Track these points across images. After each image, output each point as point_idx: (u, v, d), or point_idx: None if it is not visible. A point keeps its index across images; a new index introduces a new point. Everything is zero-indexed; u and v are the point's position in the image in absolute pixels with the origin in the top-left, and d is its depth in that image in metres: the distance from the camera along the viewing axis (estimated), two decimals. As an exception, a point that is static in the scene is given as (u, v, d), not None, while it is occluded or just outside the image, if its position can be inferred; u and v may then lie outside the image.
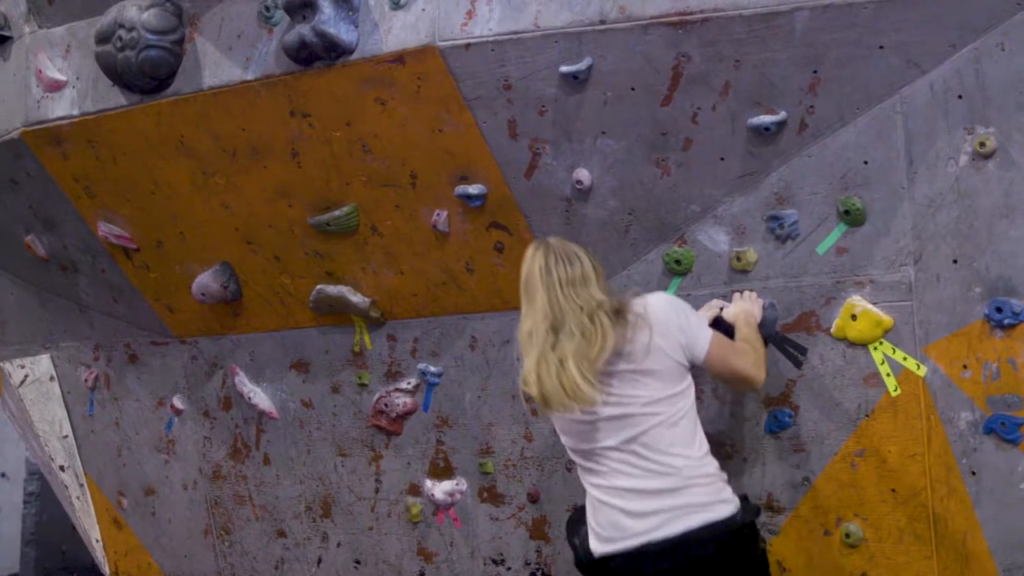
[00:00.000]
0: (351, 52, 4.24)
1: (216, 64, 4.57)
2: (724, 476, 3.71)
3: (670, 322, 3.67)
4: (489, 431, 4.81)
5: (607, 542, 3.64)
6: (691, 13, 3.80)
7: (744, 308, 4.11)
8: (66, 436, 6.60)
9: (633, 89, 4.00)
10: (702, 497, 3.59)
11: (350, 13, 4.20)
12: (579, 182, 4.22)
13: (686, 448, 3.63)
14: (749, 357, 3.84)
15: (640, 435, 3.59)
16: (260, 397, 5.44)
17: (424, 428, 4.98)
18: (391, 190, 4.53)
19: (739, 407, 4.30)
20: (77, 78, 4.94)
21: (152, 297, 5.55)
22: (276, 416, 5.41)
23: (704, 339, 3.74)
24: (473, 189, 4.37)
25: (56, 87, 5.02)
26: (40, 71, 5.05)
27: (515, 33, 4.00)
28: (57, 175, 5.23)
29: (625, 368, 3.60)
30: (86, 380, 6.27)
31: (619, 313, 3.63)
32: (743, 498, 3.76)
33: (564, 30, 3.95)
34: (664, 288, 4.31)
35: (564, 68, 4.00)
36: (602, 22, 3.90)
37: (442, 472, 4.97)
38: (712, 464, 3.69)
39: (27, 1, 5.07)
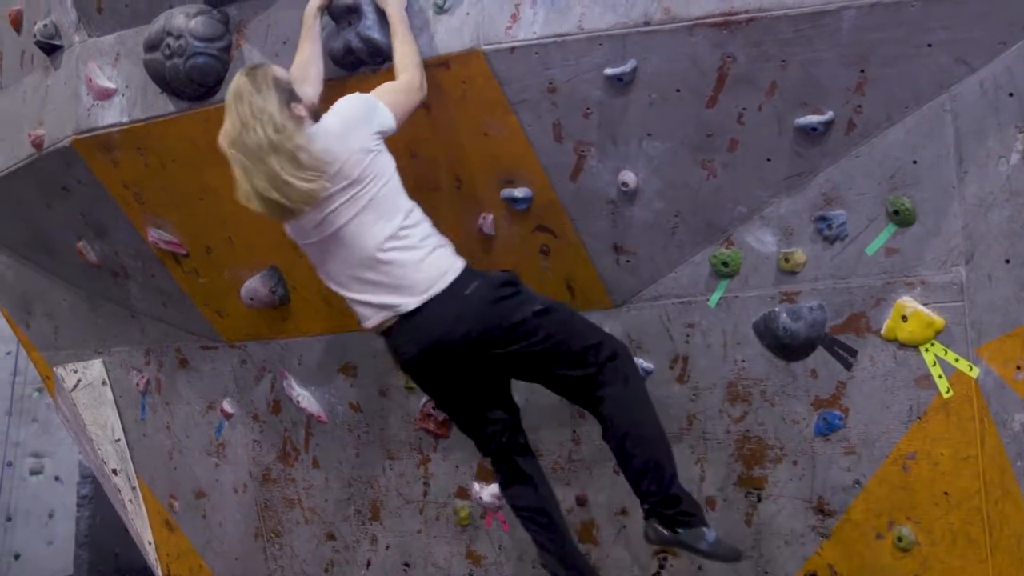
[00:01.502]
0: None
1: (263, 70, 4.60)
2: None
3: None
4: (536, 434, 4.78)
5: None
6: (736, 13, 3.78)
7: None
8: (118, 440, 6.66)
9: (678, 91, 3.98)
10: None
11: (395, 17, 4.21)
12: (625, 184, 4.21)
13: None
14: (407, 81, 4.05)
15: None
16: (309, 400, 5.46)
17: (472, 431, 4.98)
18: (437, 194, 4.53)
19: (788, 409, 4.27)
20: (126, 86, 4.98)
21: (201, 302, 5.58)
22: (325, 419, 5.43)
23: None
24: (519, 192, 4.37)
25: (106, 95, 5.05)
26: (90, 79, 5.09)
27: (559, 36, 3.99)
28: (107, 182, 5.28)
29: None
30: (138, 384, 6.32)
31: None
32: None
33: (608, 32, 3.94)
34: (712, 291, 4.29)
35: (609, 70, 3.99)
36: (646, 24, 3.88)
37: (490, 475, 4.95)
38: None
39: (77, 10, 5.12)
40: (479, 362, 4.05)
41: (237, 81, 4.00)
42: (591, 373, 4.01)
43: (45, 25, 5.26)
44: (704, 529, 3.97)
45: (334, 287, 4.22)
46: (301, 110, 3.98)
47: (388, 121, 4.01)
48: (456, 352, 4.00)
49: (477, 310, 3.96)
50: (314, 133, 3.93)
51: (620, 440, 4.03)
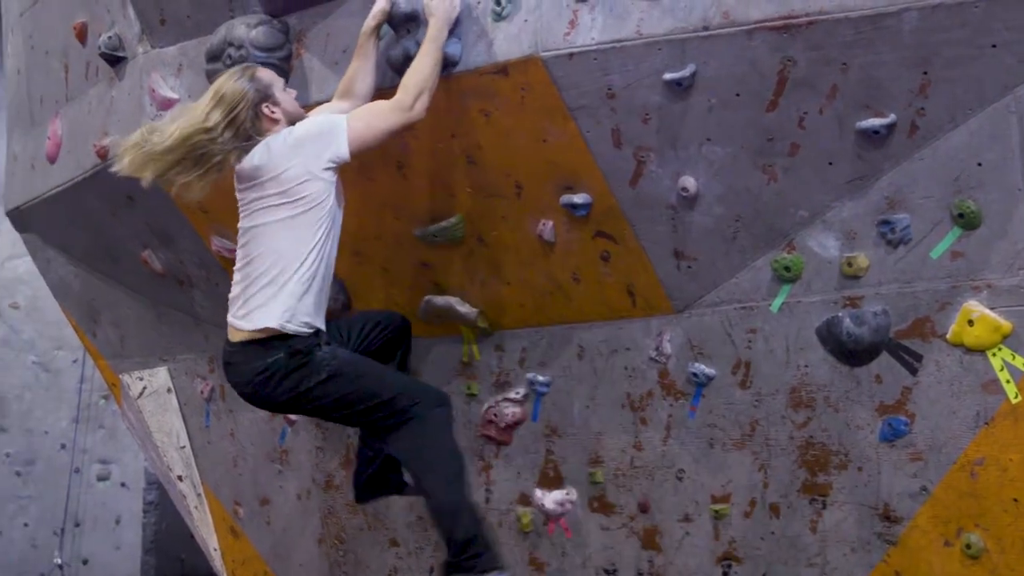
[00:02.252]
0: (455, 65, 4.25)
1: (323, 79, 4.62)
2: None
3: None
4: (598, 441, 4.78)
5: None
6: (796, 17, 3.75)
7: (442, 8, 4.20)
8: (184, 447, 6.72)
9: (738, 95, 3.96)
10: None
11: (454, 26, 4.21)
12: (685, 189, 4.19)
13: None
14: (396, 101, 4.15)
15: None
16: (371, 407, 5.48)
17: (533, 438, 4.97)
18: (496, 201, 4.54)
19: (852, 415, 4.22)
20: (189, 95, 5.03)
21: (264, 310, 5.62)
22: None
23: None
24: (578, 198, 4.36)
25: (169, 105, 5.11)
26: (153, 90, 5.15)
27: (618, 41, 3.98)
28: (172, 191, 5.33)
29: None
30: (202, 392, 6.38)
31: None
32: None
33: (667, 37, 3.92)
34: (774, 296, 4.27)
35: (668, 75, 3.97)
36: (705, 28, 3.87)
37: (552, 482, 4.96)
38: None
39: (140, 22, 5.18)
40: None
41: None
42: (380, 424, 4.35)
43: (109, 37, 5.34)
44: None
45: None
46: (276, 112, 4.30)
47: (341, 152, 4.17)
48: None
49: (265, 383, 4.27)
50: (267, 142, 4.24)
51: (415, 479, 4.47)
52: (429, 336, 5.12)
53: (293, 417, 5.85)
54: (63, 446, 13.46)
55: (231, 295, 4.34)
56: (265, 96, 4.28)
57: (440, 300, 4.94)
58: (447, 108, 4.36)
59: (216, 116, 4.20)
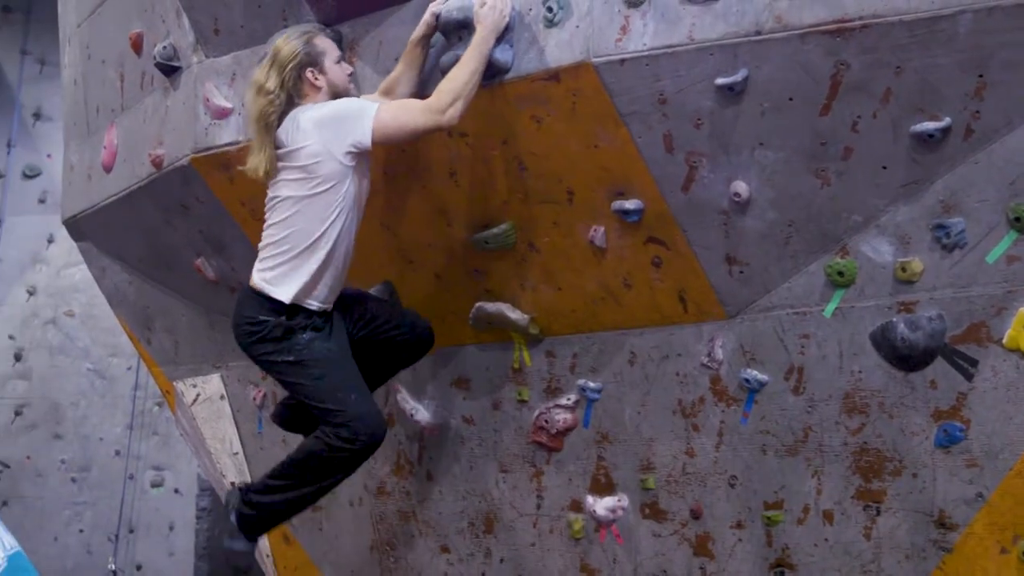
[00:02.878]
0: (506, 71, 4.27)
1: (374, 87, 4.65)
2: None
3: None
4: (650, 447, 4.77)
5: None
6: (849, 20, 3.73)
7: (490, 18, 4.20)
8: (236, 453, 6.76)
9: (791, 99, 3.95)
10: None
11: (505, 33, 4.23)
12: (737, 194, 4.18)
13: None
14: (430, 103, 4.19)
15: None
16: (422, 414, 5.49)
17: (584, 444, 4.97)
18: (548, 207, 4.55)
19: (907, 421, 4.19)
20: (242, 104, 5.06)
21: (316, 317, 5.65)
22: (438, 433, 5.46)
23: None
24: (630, 204, 4.36)
25: (223, 114, 5.16)
26: (207, 99, 5.19)
27: (670, 47, 3.98)
28: (225, 199, 5.38)
29: None
30: (255, 398, 6.41)
31: None
32: None
33: (719, 42, 3.92)
34: (827, 301, 4.24)
35: (720, 80, 3.97)
36: (758, 33, 3.86)
37: (603, 488, 4.95)
38: None
39: (195, 32, 5.23)
40: None
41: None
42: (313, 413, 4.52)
43: (164, 47, 5.39)
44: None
45: None
46: (319, 80, 4.40)
47: (364, 139, 4.26)
48: None
49: (247, 334, 4.52)
50: (296, 115, 4.35)
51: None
52: (480, 342, 5.14)
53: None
54: (117, 453, 13.59)
55: (260, 245, 4.55)
56: (313, 61, 4.37)
57: (491, 306, 4.95)
58: (499, 115, 4.38)
59: (273, 77, 4.34)
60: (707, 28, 3.93)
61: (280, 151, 4.35)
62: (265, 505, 4.61)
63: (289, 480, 4.57)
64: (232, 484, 4.66)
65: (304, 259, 4.37)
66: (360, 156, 4.33)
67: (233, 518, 4.62)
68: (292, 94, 4.36)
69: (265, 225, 4.49)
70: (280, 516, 4.74)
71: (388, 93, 4.49)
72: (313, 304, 4.44)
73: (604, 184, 4.38)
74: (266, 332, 4.42)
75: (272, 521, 4.74)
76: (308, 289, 4.41)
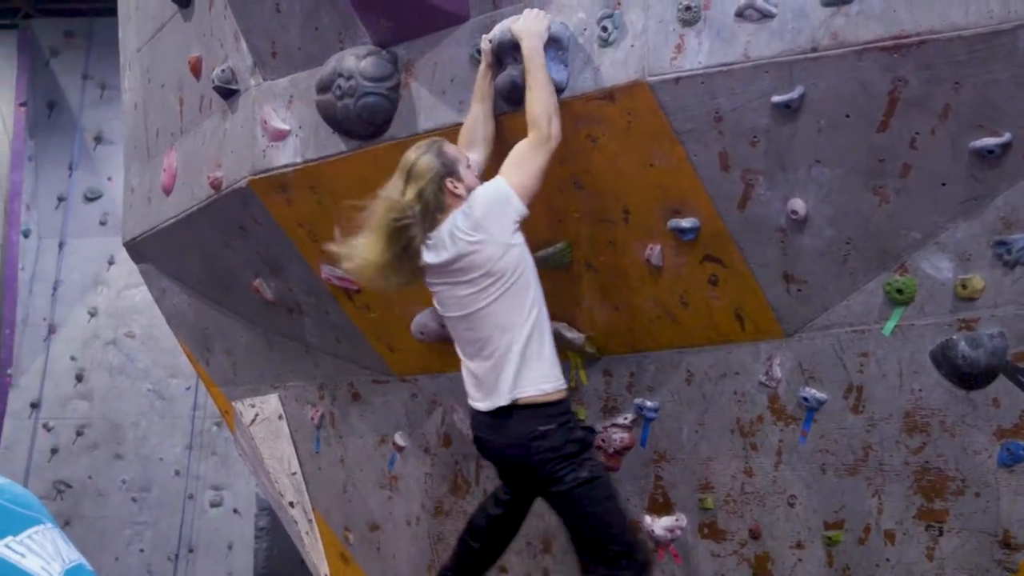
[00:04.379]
0: (562, 91, 4.27)
1: (431, 108, 4.67)
2: None
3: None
4: (707, 466, 4.75)
5: None
6: (907, 36, 3.71)
7: (529, 27, 4.20)
8: (295, 473, 6.79)
9: (848, 116, 3.93)
10: None
11: (560, 53, 4.24)
12: (794, 212, 4.16)
13: None
14: (534, 138, 4.18)
15: None
16: (479, 434, 5.49)
17: (642, 463, 4.95)
18: (604, 226, 4.55)
19: (968, 439, 4.14)
20: (300, 127, 5.11)
21: (373, 337, 5.68)
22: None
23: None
24: (686, 222, 4.35)
25: (280, 136, 5.20)
26: (265, 121, 5.23)
27: (725, 65, 3.97)
28: (282, 221, 5.42)
29: None
30: (312, 418, 6.45)
31: None
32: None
33: (775, 60, 3.90)
34: (886, 319, 4.20)
35: (776, 98, 3.95)
36: (814, 50, 3.84)
37: (661, 508, 4.93)
38: None
39: (253, 55, 5.28)
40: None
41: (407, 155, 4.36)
42: (613, 563, 4.29)
43: (223, 70, 5.44)
44: None
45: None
46: (459, 188, 4.28)
47: (521, 211, 4.23)
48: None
49: (527, 446, 4.28)
50: (449, 233, 4.26)
51: None
52: (537, 362, 5.13)
53: (401, 443, 5.89)
54: (177, 473, 13.70)
55: (471, 382, 4.44)
56: (450, 171, 4.29)
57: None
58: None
59: (411, 191, 4.26)
60: (762, 46, 3.92)
61: (446, 277, 4.33)
62: None
63: None
64: None
65: (534, 344, 4.26)
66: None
67: None
68: (434, 208, 4.27)
69: (471, 344, 4.39)
70: None
71: (471, 141, 4.46)
72: (560, 371, 4.38)
73: (660, 202, 4.37)
74: (551, 437, 4.26)
75: None
76: (552, 360, 4.34)
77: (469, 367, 4.42)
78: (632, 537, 4.41)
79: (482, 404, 4.38)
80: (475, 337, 4.34)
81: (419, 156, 4.29)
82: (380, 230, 4.24)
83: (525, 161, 4.21)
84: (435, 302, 4.53)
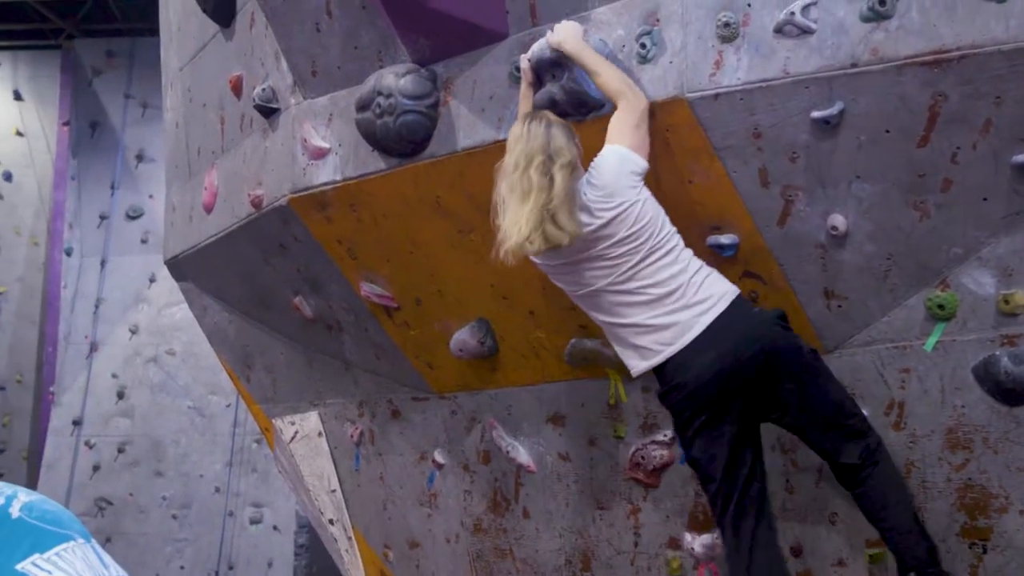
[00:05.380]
0: (600, 108, 4.28)
1: (470, 126, 4.69)
2: None
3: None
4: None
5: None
6: (947, 51, 3.69)
7: (565, 33, 4.17)
8: (334, 490, 6.81)
9: (888, 131, 3.91)
10: None
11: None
12: (834, 228, 4.14)
13: None
14: (624, 105, 4.10)
15: None
16: (518, 451, 5.50)
17: (682, 480, 4.93)
18: (643, 242, 4.54)
19: (1012, 456, 4.11)
20: (339, 145, 5.14)
21: (412, 354, 5.70)
22: (534, 469, 5.46)
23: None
24: (725, 239, 4.34)
25: (320, 154, 5.23)
26: (305, 140, 5.26)
27: (764, 81, 3.96)
28: (322, 239, 5.45)
29: None
30: (352, 436, 6.46)
31: None
32: None
33: (815, 75, 3.89)
34: (928, 335, 4.18)
35: (815, 113, 3.94)
36: (853, 65, 3.83)
37: (701, 525, 4.91)
38: None
39: (293, 74, 5.32)
40: (755, 391, 4.07)
41: (522, 124, 4.21)
42: (856, 437, 4.09)
43: (263, 89, 5.48)
44: None
45: (603, 318, 4.32)
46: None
47: (642, 164, 4.12)
48: (743, 376, 4.03)
49: (769, 328, 4.09)
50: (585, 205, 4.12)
51: (884, 509, 4.09)
52: (576, 378, 5.13)
53: (440, 460, 5.90)
54: (217, 489, 13.77)
55: (654, 335, 4.15)
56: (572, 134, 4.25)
57: (588, 343, 4.95)
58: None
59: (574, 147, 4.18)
60: (802, 61, 3.91)
61: (587, 251, 4.18)
62: (926, 539, 4.12)
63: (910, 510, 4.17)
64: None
65: (703, 272, 4.16)
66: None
67: None
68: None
69: (635, 303, 4.15)
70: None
71: None
72: None
73: (699, 219, 4.36)
74: (769, 317, 4.15)
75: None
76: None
77: (646, 322, 4.14)
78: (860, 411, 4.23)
79: (689, 334, 4.07)
80: (646, 293, 4.12)
81: (551, 128, 4.17)
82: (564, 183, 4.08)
83: (626, 124, 4.13)
84: (568, 283, 4.35)
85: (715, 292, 4.09)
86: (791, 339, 4.11)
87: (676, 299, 4.09)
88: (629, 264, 4.12)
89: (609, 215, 4.08)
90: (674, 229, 4.16)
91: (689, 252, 4.15)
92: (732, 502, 4.08)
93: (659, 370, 4.20)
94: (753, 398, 4.05)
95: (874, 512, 4.11)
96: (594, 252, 4.15)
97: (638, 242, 4.08)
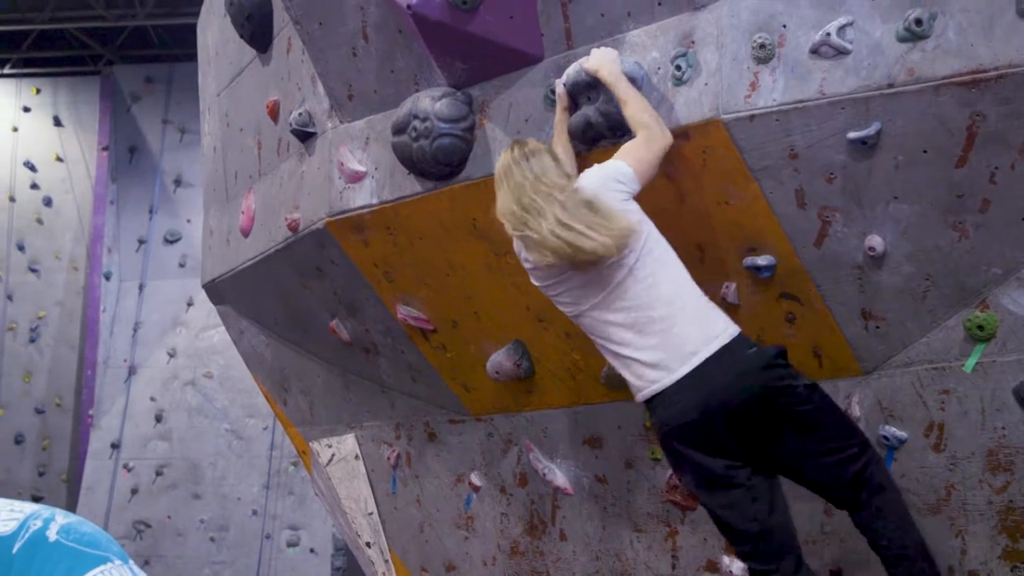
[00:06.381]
0: (635, 130, 4.28)
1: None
2: None
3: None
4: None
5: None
6: (985, 71, 3.67)
7: (601, 60, 4.18)
8: (371, 513, 6.81)
9: (925, 152, 3.89)
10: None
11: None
12: (872, 249, 4.12)
13: None
14: (645, 135, 4.09)
15: None
16: (555, 473, 5.49)
17: (720, 503, 4.91)
18: (679, 264, 4.53)
19: (1054, 478, 4.08)
20: (376, 168, 5.16)
21: (449, 376, 5.70)
22: (571, 492, 5.45)
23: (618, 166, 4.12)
24: (762, 260, 4.33)
25: (357, 178, 5.24)
26: (342, 163, 5.29)
27: (800, 102, 3.95)
28: (359, 262, 5.46)
29: None
30: (388, 458, 6.47)
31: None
32: None
33: (851, 96, 3.88)
34: (967, 356, 4.14)
35: (852, 134, 3.93)
36: (890, 86, 3.81)
37: (739, 548, 4.88)
38: None
39: (329, 98, 5.34)
40: (750, 433, 3.99)
41: (505, 157, 4.23)
42: (854, 460, 4.01)
43: (300, 114, 5.52)
44: None
45: (601, 341, 4.22)
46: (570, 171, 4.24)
47: (633, 185, 4.09)
48: (732, 419, 3.94)
49: (757, 371, 3.97)
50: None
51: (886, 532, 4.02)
52: (612, 400, 5.12)
53: (477, 482, 5.90)
54: (255, 512, 13.80)
55: (643, 366, 4.08)
56: (556, 157, 4.27)
57: (623, 364, 4.93)
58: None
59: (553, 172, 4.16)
60: (838, 82, 3.90)
61: (573, 269, 4.13)
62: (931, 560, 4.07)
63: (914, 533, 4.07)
64: None
65: (699, 297, 4.11)
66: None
67: None
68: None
69: (628, 324, 4.09)
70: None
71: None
72: None
73: (735, 240, 4.36)
74: (761, 357, 4.02)
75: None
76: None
77: (638, 345, 4.07)
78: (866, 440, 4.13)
79: (675, 373, 3.99)
80: (636, 312, 4.06)
81: (537, 149, 4.21)
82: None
83: (636, 148, 4.12)
84: (566, 301, 4.27)
85: (708, 331, 4.01)
86: (785, 380, 3.98)
87: (665, 328, 4.02)
88: (615, 280, 4.06)
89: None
90: (672, 254, 4.12)
91: (688, 281, 4.10)
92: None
93: (649, 403, 4.13)
94: (750, 439, 3.99)
95: (876, 536, 4.04)
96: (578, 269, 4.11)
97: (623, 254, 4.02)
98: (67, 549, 1.96)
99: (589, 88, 4.31)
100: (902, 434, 4.34)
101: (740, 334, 4.05)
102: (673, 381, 3.99)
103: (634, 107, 4.14)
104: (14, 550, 1.97)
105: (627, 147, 4.17)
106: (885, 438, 4.37)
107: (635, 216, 4.06)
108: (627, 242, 3.98)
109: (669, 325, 4.01)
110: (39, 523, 2.03)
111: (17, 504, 2.11)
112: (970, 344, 4.16)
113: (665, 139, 4.11)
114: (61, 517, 2.06)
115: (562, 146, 4.42)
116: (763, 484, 4.04)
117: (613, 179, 4.09)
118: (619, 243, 3.96)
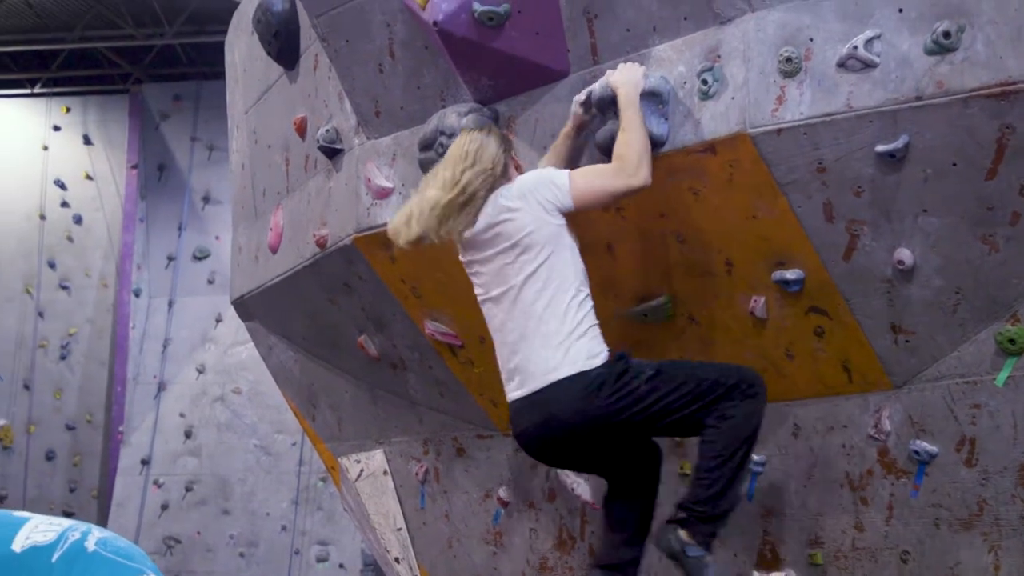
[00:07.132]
0: (662, 144, 4.27)
1: (531, 164, 4.69)
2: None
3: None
4: (816, 521, 4.67)
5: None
6: (1014, 83, 3.65)
7: (625, 77, 4.19)
8: (400, 529, 6.81)
9: (954, 164, 3.87)
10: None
11: (660, 107, 4.24)
12: (900, 262, 4.10)
13: None
14: (617, 166, 4.12)
15: None
16: (583, 488, 5.48)
17: (749, 518, 4.89)
18: (707, 279, 4.53)
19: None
20: (403, 184, 5.17)
21: (476, 391, 5.70)
22: (599, 507, 5.43)
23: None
24: (790, 274, 4.31)
25: (384, 194, 5.26)
26: (369, 179, 5.30)
27: (828, 115, 3.94)
28: (386, 278, 5.47)
29: None
30: (417, 474, 6.47)
31: None
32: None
33: (879, 109, 3.87)
34: (998, 370, 4.12)
35: (880, 147, 3.91)
36: (918, 98, 3.80)
37: (770, 563, 4.86)
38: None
39: (356, 115, 5.36)
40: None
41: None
42: (716, 406, 4.13)
43: (327, 130, 5.53)
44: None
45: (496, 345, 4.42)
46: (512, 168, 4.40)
47: (565, 201, 4.17)
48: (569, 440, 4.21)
49: (587, 398, 4.09)
50: (494, 201, 4.24)
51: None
52: (641, 416, 5.10)
53: (505, 498, 5.89)
54: (284, 528, 13.83)
55: (506, 366, 4.34)
56: (510, 146, 4.45)
57: (651, 379, 4.92)
58: (656, 187, 4.37)
59: (493, 155, 4.29)
60: (865, 95, 3.88)
61: (485, 247, 4.28)
62: (723, 512, 4.21)
63: (726, 474, 4.14)
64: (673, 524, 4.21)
65: (574, 324, 4.14)
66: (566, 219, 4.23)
67: (688, 549, 4.19)
68: (500, 173, 4.29)
69: (502, 325, 4.31)
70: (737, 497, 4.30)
71: None
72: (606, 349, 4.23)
73: (764, 254, 4.34)
74: (604, 376, 4.10)
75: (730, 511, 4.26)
76: (599, 340, 4.22)
77: (511, 347, 4.28)
78: (724, 378, 4.14)
79: (523, 389, 4.22)
80: (507, 318, 4.27)
81: (485, 134, 4.36)
82: (462, 185, 4.22)
83: (599, 176, 4.19)
84: (476, 287, 4.45)
85: (569, 358, 4.10)
86: (607, 400, 4.07)
87: (536, 342, 4.16)
88: (512, 283, 4.21)
89: (502, 217, 4.19)
90: (578, 280, 4.19)
91: (578, 307, 4.16)
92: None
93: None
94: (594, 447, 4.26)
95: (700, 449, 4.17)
96: (488, 255, 4.28)
97: (521, 257, 4.16)
98: (105, 560, 1.99)
99: (614, 103, 4.31)
100: (933, 449, 4.31)
101: (591, 370, 4.10)
102: (520, 396, 4.26)
103: (628, 137, 4.16)
104: (53, 559, 2.02)
105: (593, 167, 4.27)
106: (916, 452, 4.34)
107: (546, 228, 4.15)
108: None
109: (540, 342, 4.16)
110: (77, 534, 2.07)
111: (54, 519, 2.17)
112: (1001, 358, 4.14)
113: (635, 180, 4.11)
114: (97, 531, 2.10)
115: (554, 149, 4.50)
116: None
117: (546, 185, 4.19)
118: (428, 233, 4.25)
